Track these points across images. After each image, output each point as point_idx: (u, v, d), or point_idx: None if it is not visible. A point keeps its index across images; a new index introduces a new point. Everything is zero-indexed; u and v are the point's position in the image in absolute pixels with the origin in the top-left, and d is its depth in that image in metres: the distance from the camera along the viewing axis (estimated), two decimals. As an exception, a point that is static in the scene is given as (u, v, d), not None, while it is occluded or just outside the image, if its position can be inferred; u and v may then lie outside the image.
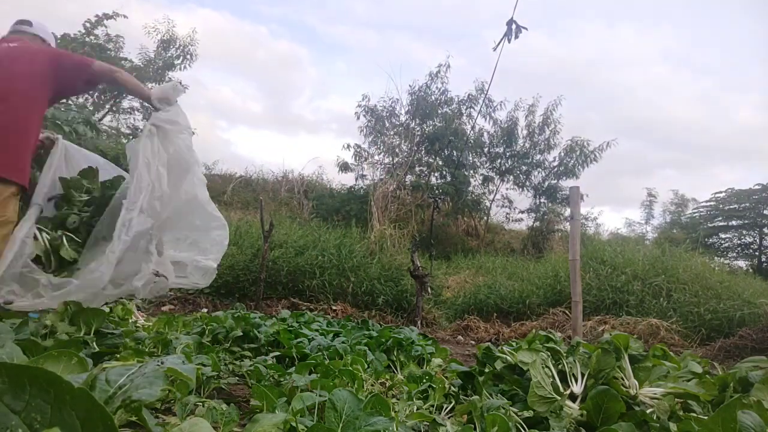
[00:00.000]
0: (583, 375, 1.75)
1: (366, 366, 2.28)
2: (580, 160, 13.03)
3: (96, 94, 12.15)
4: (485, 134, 14.05)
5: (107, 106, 12.43)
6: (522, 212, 14.67)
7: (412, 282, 6.42)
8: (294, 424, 1.22)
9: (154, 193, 2.25)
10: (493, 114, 13.87)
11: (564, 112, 13.72)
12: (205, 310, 5.48)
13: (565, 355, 1.86)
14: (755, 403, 1.20)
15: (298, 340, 2.80)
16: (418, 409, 1.71)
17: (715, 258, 13.63)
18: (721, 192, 16.62)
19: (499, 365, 1.98)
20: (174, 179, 2.34)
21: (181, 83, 2.38)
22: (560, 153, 13.37)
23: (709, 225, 16.61)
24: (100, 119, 11.08)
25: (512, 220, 15.24)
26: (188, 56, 12.76)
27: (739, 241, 16.66)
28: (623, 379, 1.70)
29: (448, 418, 1.69)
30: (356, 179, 14.08)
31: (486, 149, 14.02)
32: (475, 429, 1.42)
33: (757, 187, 15.56)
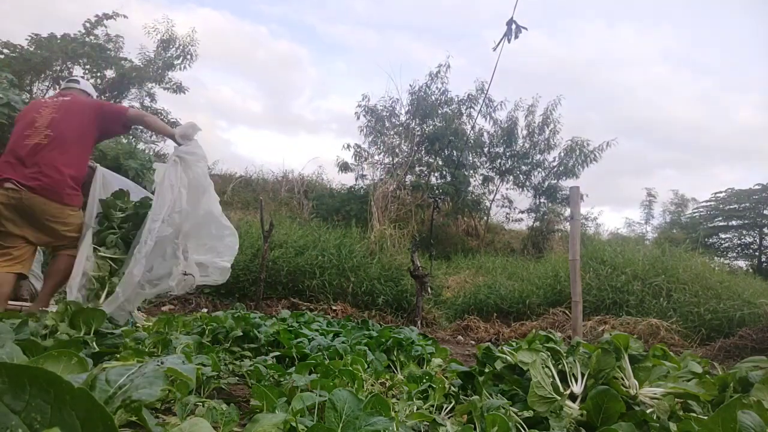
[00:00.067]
0: (583, 375, 1.75)
1: (366, 366, 2.28)
2: (580, 160, 13.03)
3: (96, 94, 12.16)
4: (485, 134, 14.06)
5: (107, 106, 12.42)
6: (522, 212, 14.69)
7: (412, 282, 6.42)
8: (294, 424, 1.22)
9: (174, 208, 2.84)
10: (493, 114, 13.89)
11: (564, 112, 13.74)
12: (205, 310, 5.48)
13: (565, 355, 1.86)
14: (755, 403, 1.20)
15: (298, 340, 2.80)
16: (418, 409, 1.71)
17: (715, 258, 13.64)
18: (721, 192, 16.66)
19: (499, 365, 1.98)
20: (193, 198, 2.93)
21: (196, 125, 2.99)
22: (560, 153, 13.38)
23: (709, 225, 16.61)
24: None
25: (512, 220, 15.27)
26: (188, 56, 12.77)
27: (739, 241, 16.67)
28: (623, 379, 1.70)
29: (448, 418, 1.69)
30: (356, 179, 14.10)
31: (486, 149, 14.02)
32: (475, 429, 1.42)
33: (757, 187, 15.57)
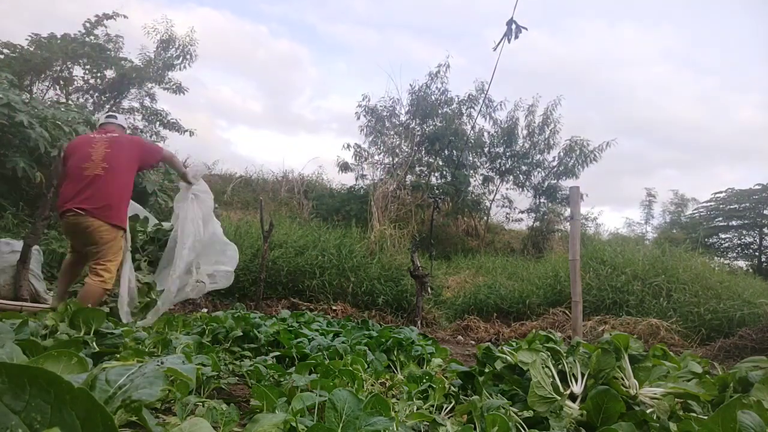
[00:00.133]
0: (583, 375, 1.75)
1: (366, 366, 2.28)
2: (579, 160, 13.02)
3: (96, 94, 12.16)
4: (485, 134, 14.04)
5: (107, 107, 12.42)
6: (522, 212, 14.67)
7: (412, 282, 6.42)
8: (294, 424, 1.22)
9: (196, 237, 3.70)
10: (493, 114, 13.87)
11: (564, 112, 13.72)
12: (205, 310, 5.48)
13: (565, 355, 1.86)
14: (755, 403, 1.20)
15: (298, 340, 2.80)
16: (418, 409, 1.71)
17: (715, 258, 13.62)
18: (721, 192, 16.64)
19: (499, 365, 1.98)
20: (204, 225, 3.82)
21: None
22: (559, 153, 13.37)
23: (709, 225, 16.60)
24: (100, 119, 11.07)
25: (512, 220, 15.24)
26: (188, 56, 12.76)
27: (739, 241, 16.66)
28: (623, 379, 1.70)
29: (448, 418, 1.69)
30: (356, 179, 14.08)
31: (486, 149, 14.01)
32: (475, 429, 1.42)
33: (757, 187, 15.56)
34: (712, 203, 16.95)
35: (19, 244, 4.32)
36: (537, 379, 1.59)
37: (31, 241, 4.25)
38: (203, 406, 1.40)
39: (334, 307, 6.48)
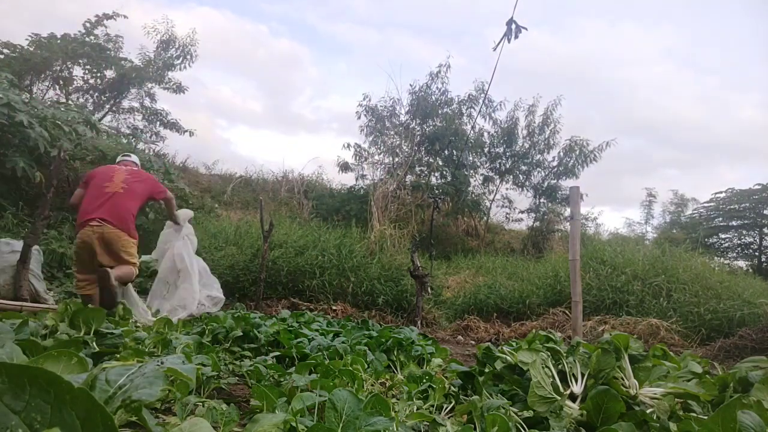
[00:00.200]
0: (583, 375, 1.75)
1: (366, 366, 2.28)
2: (579, 160, 13.01)
3: (96, 93, 12.16)
4: (485, 134, 14.04)
5: (107, 107, 12.43)
6: (522, 212, 14.66)
7: (412, 282, 6.42)
8: (294, 424, 1.22)
9: (199, 265, 4.81)
10: (493, 114, 13.85)
11: (564, 112, 13.72)
12: (205, 310, 5.48)
13: (565, 355, 1.86)
14: (755, 403, 1.20)
15: (298, 340, 2.80)
16: (418, 409, 1.71)
17: (715, 258, 13.62)
18: (721, 192, 16.63)
19: (499, 365, 1.98)
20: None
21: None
22: (559, 153, 13.36)
23: (709, 225, 16.60)
24: (100, 119, 11.08)
25: (512, 220, 15.24)
26: (188, 56, 12.76)
27: (739, 241, 16.65)
28: (623, 379, 1.70)
29: (448, 418, 1.69)
30: (356, 179, 14.06)
31: (486, 149, 14.01)
32: (475, 429, 1.42)
33: (757, 187, 15.56)
34: (712, 203, 16.94)
35: (19, 244, 4.32)
36: (537, 379, 1.59)
37: (31, 240, 4.25)
38: (203, 406, 1.40)
39: (334, 307, 6.48)
